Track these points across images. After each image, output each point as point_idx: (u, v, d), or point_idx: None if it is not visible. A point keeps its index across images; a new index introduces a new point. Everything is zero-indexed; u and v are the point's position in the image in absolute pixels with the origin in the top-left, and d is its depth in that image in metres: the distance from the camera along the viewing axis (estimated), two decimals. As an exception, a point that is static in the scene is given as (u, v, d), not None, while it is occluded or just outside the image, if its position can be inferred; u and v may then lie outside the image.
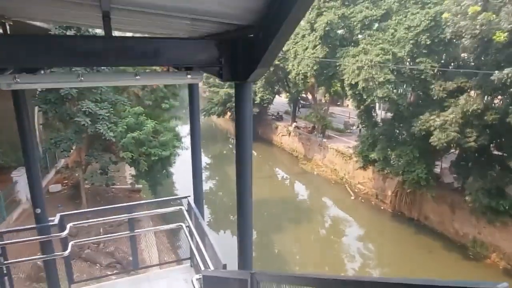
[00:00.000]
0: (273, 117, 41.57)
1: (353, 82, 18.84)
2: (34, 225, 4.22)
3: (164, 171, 19.82)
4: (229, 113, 42.51)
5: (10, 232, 4.29)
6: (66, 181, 21.76)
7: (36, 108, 18.88)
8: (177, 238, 18.22)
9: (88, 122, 16.20)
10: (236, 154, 2.96)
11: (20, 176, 17.59)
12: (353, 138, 30.56)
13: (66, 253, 4.33)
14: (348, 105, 48.16)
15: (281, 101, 44.49)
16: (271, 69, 30.11)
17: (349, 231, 23.30)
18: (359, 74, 17.85)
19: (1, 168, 20.26)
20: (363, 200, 25.76)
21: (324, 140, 30.89)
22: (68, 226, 4.38)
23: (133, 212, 4.89)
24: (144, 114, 18.13)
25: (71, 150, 18.05)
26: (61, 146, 16.66)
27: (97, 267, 14.24)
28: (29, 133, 3.96)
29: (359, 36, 21.69)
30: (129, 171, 23.58)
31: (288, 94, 36.35)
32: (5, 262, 4.00)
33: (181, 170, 25.88)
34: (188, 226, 4.96)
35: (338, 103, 47.09)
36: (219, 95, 38.73)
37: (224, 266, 3.31)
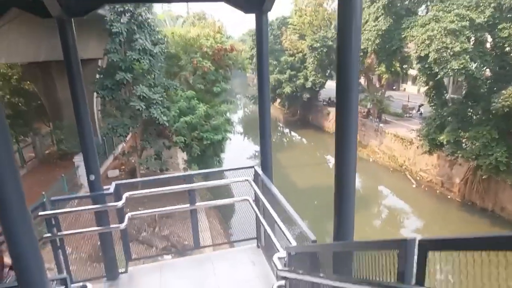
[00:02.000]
0: (325, 103, 39.98)
1: (422, 54, 17.00)
2: (88, 193, 3.77)
3: (216, 157, 19.58)
4: (278, 100, 41.66)
5: (63, 200, 3.89)
6: (123, 167, 22.41)
7: (95, 94, 19.46)
8: (232, 220, 18.01)
9: (143, 107, 16.27)
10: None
11: (81, 161, 18.22)
12: (413, 122, 28.30)
13: (123, 225, 3.85)
14: (404, 88, 45.07)
15: (332, 86, 42.69)
16: (325, 50, 28.69)
17: (409, 222, 21.55)
18: (429, 45, 16.04)
19: (64, 154, 21.37)
20: (426, 189, 23.72)
21: (381, 125, 28.95)
22: (124, 196, 3.88)
23: (193, 182, 4.30)
24: (195, 98, 17.91)
25: (127, 135, 18.41)
26: (118, 131, 16.95)
27: (154, 250, 14.29)
28: (85, 116, 3.50)
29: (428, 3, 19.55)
30: (181, 157, 23.75)
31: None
32: (59, 233, 3.57)
33: (231, 157, 25.68)
34: (255, 200, 4.27)
35: (394, 87, 44.21)
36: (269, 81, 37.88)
37: (314, 243, 2.55)
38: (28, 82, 24.14)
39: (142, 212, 4.22)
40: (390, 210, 23.30)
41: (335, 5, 32.98)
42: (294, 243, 2.82)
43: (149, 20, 17.14)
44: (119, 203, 3.79)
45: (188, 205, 4.42)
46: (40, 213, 3.51)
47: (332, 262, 1.94)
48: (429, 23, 16.52)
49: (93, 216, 3.98)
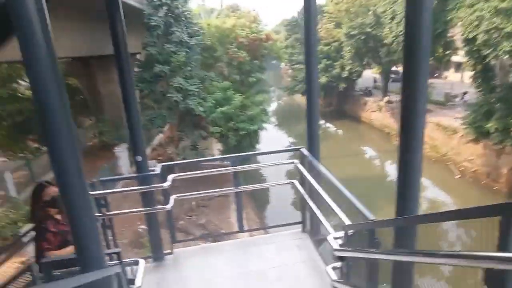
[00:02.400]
0: (361, 92, 38.81)
1: (470, 37, 15.92)
2: (134, 174, 3.80)
3: (252, 148, 19.57)
4: (321, 92, 40.85)
5: (112, 180, 3.95)
6: (160, 157, 22.97)
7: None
8: (269, 206, 17.92)
9: (180, 98, 16.56)
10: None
11: (121, 152, 18.87)
12: (456, 111, 26.77)
13: (168, 206, 3.86)
14: (446, 76, 42.76)
15: (367, 75, 41.29)
16: (362, 37, 27.75)
17: (453, 215, 20.40)
18: (478, 26, 14.98)
19: (105, 146, 22.25)
20: (470, 180, 22.41)
21: (422, 114, 27.58)
22: (170, 177, 3.88)
23: (238, 165, 4.22)
24: (231, 89, 17.95)
25: (165, 127, 18.82)
26: (156, 123, 17.38)
27: (191, 237, 14.53)
28: (133, 101, 3.55)
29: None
30: (217, 148, 23.98)
31: (379, 66, 33.35)
32: (107, 213, 3.64)
33: (265, 149, 25.58)
34: (301, 183, 4.14)
35: (436, 75, 42.07)
36: (304, 72, 37.29)
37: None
38: (72, 77, 25.26)
39: (187, 194, 4.22)
40: (431, 202, 22.27)
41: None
42: (347, 222, 2.66)
43: (185, 13, 17.33)
44: (165, 184, 3.79)
45: (233, 188, 4.36)
46: (91, 193, 3.57)
47: (408, 237, 1.78)
48: (478, 3, 15.37)
49: (139, 198, 4.03)
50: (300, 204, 4.35)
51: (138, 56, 20.71)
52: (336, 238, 2.49)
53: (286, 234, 4.52)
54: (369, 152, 32.06)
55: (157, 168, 3.88)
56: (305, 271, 3.76)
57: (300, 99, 49.24)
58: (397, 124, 2.15)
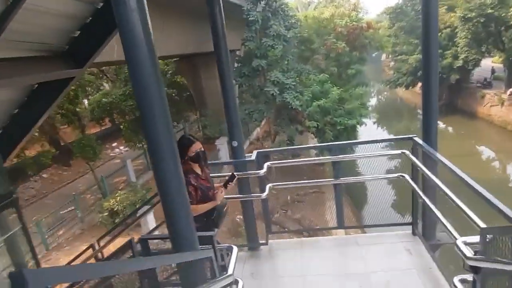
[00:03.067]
0: (479, 84, 33.86)
1: None
2: (230, 160, 3.73)
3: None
4: (419, 84, 37.18)
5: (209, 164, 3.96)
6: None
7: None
8: (368, 205, 16.83)
9: (276, 92, 16.61)
10: None
11: (222, 145, 19.81)
12: None
13: (264, 195, 3.70)
14: None
15: (484, 65, 35.79)
16: (482, 20, 24.09)
17: None
18: None
19: (208, 138, 23.72)
20: None
21: None
22: (265, 165, 3.72)
23: (337, 154, 3.84)
24: (329, 82, 17.32)
25: (262, 121, 19.14)
26: (254, 116, 17.74)
27: (286, 230, 14.47)
28: (232, 96, 3.56)
29: None
30: (313, 143, 23.53)
31: (502, 53, 28.62)
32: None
33: (361, 148, 24.01)
34: (414, 178, 3.57)
35: None
36: (408, 63, 34.26)
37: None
38: (180, 76, 27.54)
39: (283, 184, 4.02)
40: None
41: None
42: (482, 225, 2.10)
43: (282, 6, 17.30)
44: (261, 171, 3.65)
45: (331, 179, 4.00)
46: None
47: None
48: None
49: (234, 187, 3.97)
50: (412, 203, 3.76)
51: (237, 52, 21.49)
52: (468, 244, 1.97)
53: (392, 236, 3.98)
54: (487, 152, 27.87)
55: (253, 155, 3.76)
56: (417, 280, 3.22)
57: (403, 93, 45.40)
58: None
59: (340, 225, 4.17)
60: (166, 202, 1.89)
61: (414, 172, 3.58)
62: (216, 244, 2.14)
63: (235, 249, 2.42)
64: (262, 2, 16.65)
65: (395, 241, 3.86)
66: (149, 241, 2.23)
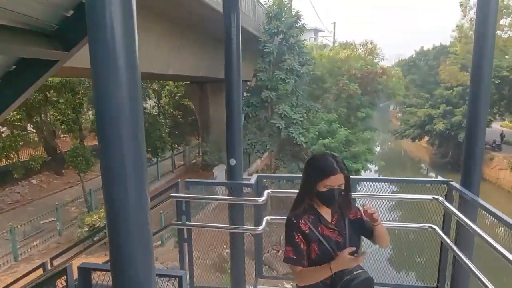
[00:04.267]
0: (487, 146, 33.48)
1: None
2: (225, 181, 3.11)
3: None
4: (426, 138, 36.95)
5: (199, 183, 3.34)
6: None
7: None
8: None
9: (282, 125, 16.26)
10: None
11: (219, 172, 19.15)
12: None
13: (259, 229, 3.04)
14: None
15: (496, 129, 35.67)
16: (497, 81, 24.09)
17: None
18: None
19: (207, 165, 23.10)
20: None
21: None
22: (265, 192, 3.08)
23: (355, 190, 3.20)
24: (337, 122, 16.94)
25: (264, 153, 18.59)
26: (256, 147, 17.24)
27: (274, 273, 13.48)
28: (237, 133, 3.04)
29: None
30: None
31: (512, 117, 28.45)
32: (187, 223, 2.98)
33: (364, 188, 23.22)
34: (443, 230, 2.91)
35: None
36: (417, 116, 34.18)
37: None
38: (188, 99, 27.45)
39: (282, 217, 3.34)
40: None
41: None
42: None
43: (298, 43, 17.33)
44: (260, 200, 3.01)
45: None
46: (172, 194, 3.01)
47: None
48: None
49: (226, 218, 3.32)
50: (440, 261, 3.06)
51: (248, 83, 21.41)
52: None
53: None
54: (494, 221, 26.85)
55: (253, 178, 3.13)
56: None
57: (408, 146, 45.05)
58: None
59: None
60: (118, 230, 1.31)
61: (446, 223, 2.94)
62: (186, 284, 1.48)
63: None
64: (280, 36, 16.68)
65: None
66: (94, 272, 1.57)
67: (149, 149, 20.03)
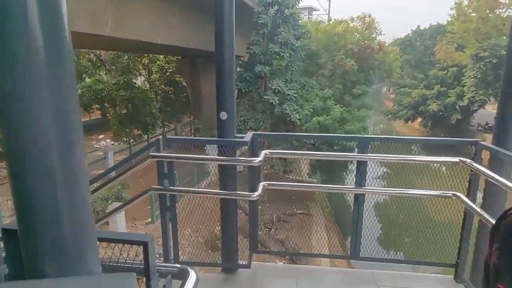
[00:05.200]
0: (480, 128, 33.48)
1: None
2: (215, 139, 2.62)
3: (345, 168, 17.68)
4: (419, 119, 36.76)
5: (184, 141, 2.83)
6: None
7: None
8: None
9: (276, 101, 15.74)
10: None
11: (211, 150, 18.60)
12: None
13: (255, 195, 2.56)
14: None
15: (486, 110, 35.55)
16: (494, 61, 23.68)
17: None
18: None
19: (198, 143, 22.64)
20: None
21: None
22: (262, 153, 2.60)
23: (367, 151, 2.73)
24: (332, 99, 16.44)
25: (257, 130, 18.12)
26: (249, 124, 16.73)
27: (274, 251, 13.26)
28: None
29: None
30: (306, 163, 22.45)
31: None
32: (170, 187, 2.49)
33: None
34: (470, 197, 2.48)
35: None
36: (411, 96, 33.87)
37: None
38: (179, 75, 26.61)
39: (281, 183, 2.89)
40: None
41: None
42: None
43: (294, 15, 16.60)
44: (256, 160, 2.52)
45: (351, 187, 2.86)
46: (152, 154, 2.52)
47: None
48: None
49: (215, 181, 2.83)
50: (461, 235, 2.64)
51: (242, 59, 20.70)
52: None
53: (422, 278, 2.85)
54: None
55: (248, 136, 2.64)
56: None
57: (399, 128, 44.96)
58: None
59: (354, 254, 3.00)
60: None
61: (472, 189, 2.51)
62: (152, 261, 1.01)
63: (192, 274, 1.24)
64: (275, 7, 15.90)
65: (427, 285, 2.74)
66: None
67: (139, 126, 19.49)
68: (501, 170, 2.31)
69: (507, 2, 25.67)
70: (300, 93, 16.48)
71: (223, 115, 2.55)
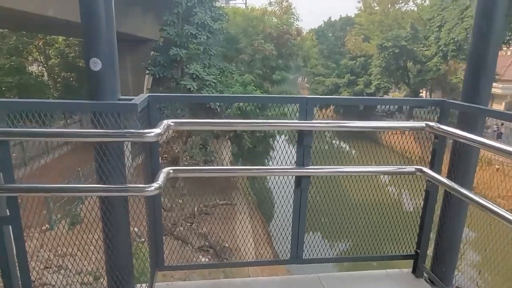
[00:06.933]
0: (383, 113, 36.62)
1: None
2: (86, 101, 1.63)
3: (267, 155, 17.55)
4: (332, 106, 38.70)
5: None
6: (166, 155, 21.03)
7: (146, 76, 18.31)
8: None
9: (194, 87, 14.72)
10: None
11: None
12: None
13: (153, 188, 1.62)
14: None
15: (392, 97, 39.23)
16: (396, 51, 25.70)
17: None
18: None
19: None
20: None
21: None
22: (164, 123, 1.72)
23: (309, 119, 2.04)
24: (252, 85, 15.97)
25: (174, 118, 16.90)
26: (165, 113, 15.41)
27: (189, 248, 12.36)
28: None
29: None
30: (227, 152, 21.88)
31: (407, 87, 31.16)
32: (10, 186, 1.47)
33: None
34: (434, 169, 1.96)
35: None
36: (325, 85, 35.45)
37: None
38: (82, 60, 23.76)
39: (190, 167, 2.05)
40: None
41: (409, 6, 30.03)
42: None
43: (209, -4, 15.65)
44: (151, 133, 1.59)
45: (292, 166, 2.16)
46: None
47: None
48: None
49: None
50: (422, 219, 2.13)
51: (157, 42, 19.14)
52: None
53: (376, 276, 2.31)
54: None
55: (140, 98, 1.71)
56: None
57: (317, 114, 47.22)
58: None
59: (296, 257, 2.28)
60: None
61: (436, 161, 2.01)
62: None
63: None
64: (189, -15, 14.72)
65: (384, 284, 2.19)
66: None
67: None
68: (475, 129, 1.84)
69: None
70: (220, 79, 15.69)
71: (95, 63, 1.58)
